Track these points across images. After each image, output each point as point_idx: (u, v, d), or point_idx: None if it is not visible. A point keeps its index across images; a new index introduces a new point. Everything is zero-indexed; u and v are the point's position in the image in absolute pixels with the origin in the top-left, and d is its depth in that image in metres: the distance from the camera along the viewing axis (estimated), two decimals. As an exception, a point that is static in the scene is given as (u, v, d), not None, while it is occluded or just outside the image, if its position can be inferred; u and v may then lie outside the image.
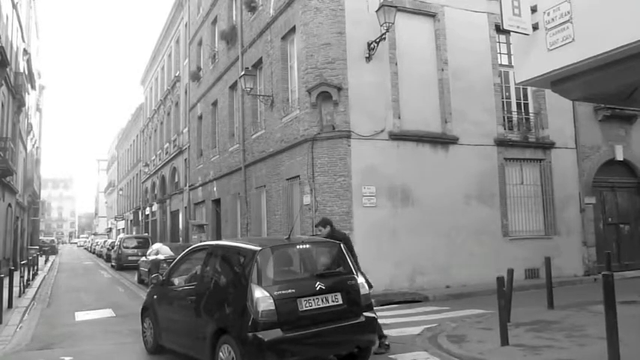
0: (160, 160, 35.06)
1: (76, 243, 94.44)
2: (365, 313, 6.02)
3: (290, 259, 6.18)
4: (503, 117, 15.03)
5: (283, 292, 5.47)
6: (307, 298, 5.58)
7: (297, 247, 6.23)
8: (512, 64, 10.89)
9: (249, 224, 17.59)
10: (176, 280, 7.19)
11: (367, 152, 12.92)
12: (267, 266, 5.68)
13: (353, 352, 6.17)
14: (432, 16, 14.31)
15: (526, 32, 7.52)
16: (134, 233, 39.22)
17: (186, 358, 6.69)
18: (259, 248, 5.82)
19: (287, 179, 14.79)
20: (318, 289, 5.68)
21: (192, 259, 7.21)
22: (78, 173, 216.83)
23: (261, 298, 5.33)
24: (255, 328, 5.27)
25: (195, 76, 24.99)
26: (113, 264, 28.30)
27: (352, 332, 5.86)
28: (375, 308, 6.82)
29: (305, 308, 5.54)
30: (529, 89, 15.27)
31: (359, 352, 6.18)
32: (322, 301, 5.68)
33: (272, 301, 5.34)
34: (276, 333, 5.29)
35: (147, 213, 40.45)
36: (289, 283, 5.65)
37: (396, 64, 13.57)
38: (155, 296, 7.53)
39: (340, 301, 5.81)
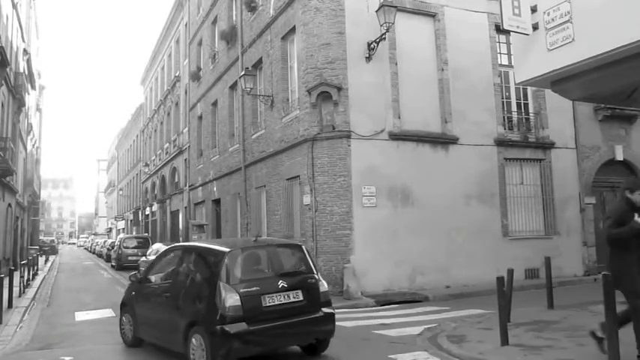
0: (160, 160, 35.06)
1: (74, 243, 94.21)
2: (323, 309, 6.63)
3: (256, 260, 6.76)
4: (503, 117, 15.03)
5: (248, 289, 6.07)
6: (270, 295, 6.18)
7: (263, 249, 6.96)
8: (512, 64, 10.89)
9: (249, 224, 17.59)
10: (153, 278, 7.72)
11: (367, 152, 12.92)
12: (235, 266, 6.29)
13: (312, 343, 6.82)
14: (432, 16, 14.31)
15: (526, 32, 7.52)
16: (134, 233, 39.22)
17: (168, 352, 7.03)
18: (228, 250, 6.45)
19: (287, 179, 14.80)
20: (280, 286, 6.30)
21: (168, 259, 7.76)
22: (78, 173, 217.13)
23: (229, 295, 5.92)
24: (223, 321, 5.85)
25: (195, 76, 25.00)
26: (113, 264, 28.31)
27: (311, 325, 6.49)
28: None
29: (268, 304, 6.14)
30: (529, 89, 15.27)
31: (318, 343, 6.83)
32: (284, 297, 6.30)
33: (238, 297, 5.93)
34: (242, 326, 5.86)
35: (147, 213, 40.45)
36: (254, 282, 6.23)
37: (396, 64, 13.57)
38: (133, 293, 8.03)
39: (301, 298, 6.42)
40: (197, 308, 6.28)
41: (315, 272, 6.83)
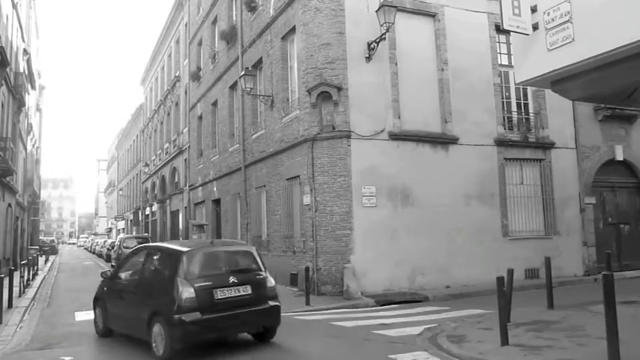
0: (160, 160, 35.06)
1: (74, 243, 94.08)
2: (270, 302, 7.57)
3: (211, 259, 7.61)
4: (503, 117, 15.03)
5: (202, 284, 6.94)
6: (222, 289, 7.09)
7: (218, 249, 7.98)
8: (512, 64, 10.89)
9: (249, 224, 17.59)
10: (122, 275, 8.57)
11: (367, 152, 12.92)
12: (191, 264, 7.17)
13: (261, 331, 7.77)
14: (432, 16, 14.31)
15: (526, 32, 7.52)
16: (134, 233, 39.21)
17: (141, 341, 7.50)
18: (185, 250, 7.42)
19: (287, 179, 14.80)
20: (231, 282, 7.21)
21: (136, 258, 8.59)
22: (78, 173, 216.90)
23: (185, 288, 6.81)
24: (180, 311, 6.72)
25: (195, 76, 25.00)
26: (113, 264, 28.28)
27: (259, 316, 7.42)
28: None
29: (220, 297, 7.03)
30: (529, 89, 15.28)
31: (265, 331, 7.77)
32: (234, 291, 7.21)
33: (193, 290, 6.81)
34: (196, 315, 6.75)
35: (147, 213, 40.45)
36: (208, 278, 7.11)
37: (396, 64, 13.57)
38: (105, 288, 8.92)
39: (249, 292, 7.33)
40: (158, 301, 7.13)
41: (263, 270, 7.75)
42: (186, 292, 6.77)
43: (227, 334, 7.62)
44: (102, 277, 9.21)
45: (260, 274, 7.65)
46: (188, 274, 7.00)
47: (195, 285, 6.86)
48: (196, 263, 7.26)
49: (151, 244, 11.27)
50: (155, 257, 7.99)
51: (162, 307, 6.95)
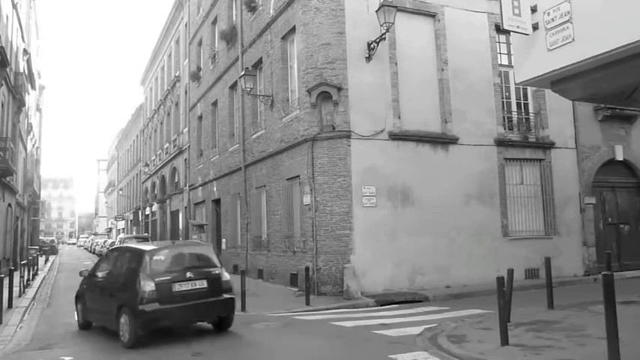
0: (160, 160, 35.06)
1: (74, 243, 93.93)
2: (224, 294, 8.50)
3: (170, 257, 8.50)
4: (503, 117, 15.03)
5: (162, 279, 7.88)
6: (180, 283, 8.04)
7: (177, 248, 9.01)
8: (512, 64, 10.89)
9: (249, 224, 17.60)
10: (99, 273, 9.44)
11: (367, 152, 12.92)
12: (152, 262, 8.10)
13: (217, 321, 8.72)
14: (432, 16, 14.31)
15: (526, 32, 7.51)
16: (134, 233, 39.20)
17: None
18: (148, 249, 8.43)
19: (287, 179, 14.80)
20: (188, 277, 8.15)
21: (109, 258, 9.56)
22: (78, 173, 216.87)
23: (146, 283, 7.75)
24: (142, 302, 7.65)
25: (195, 76, 25.00)
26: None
27: (213, 307, 8.36)
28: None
29: (177, 290, 7.98)
30: (529, 89, 15.28)
31: (220, 320, 8.70)
32: (191, 285, 8.14)
33: (153, 284, 7.75)
34: (156, 306, 7.70)
35: (147, 213, 40.45)
36: (167, 273, 8.05)
37: (396, 64, 13.57)
38: (85, 286, 9.80)
39: (205, 286, 8.27)
40: (125, 294, 8.05)
41: (218, 266, 8.72)
42: (148, 286, 7.73)
43: (185, 322, 8.57)
44: (81, 275, 10.16)
45: (215, 270, 8.60)
46: (150, 271, 7.93)
47: (156, 280, 7.83)
48: (157, 261, 8.22)
49: (121, 245, 12.30)
50: (124, 257, 8.92)
51: (128, 299, 7.89)
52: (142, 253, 8.31)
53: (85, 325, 9.53)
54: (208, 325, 9.10)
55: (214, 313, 8.54)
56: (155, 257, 8.25)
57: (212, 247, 9.37)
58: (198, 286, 8.19)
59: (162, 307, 7.74)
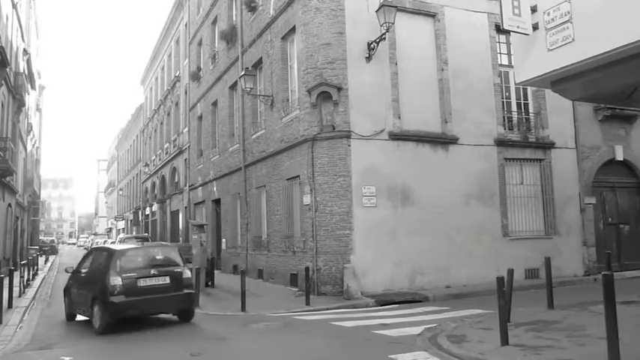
0: (160, 160, 35.06)
1: (74, 243, 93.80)
2: (185, 290, 9.66)
3: (138, 256, 9.81)
4: (503, 117, 15.03)
5: (128, 275, 9.15)
6: (144, 279, 9.25)
7: (145, 249, 10.75)
8: (512, 64, 10.90)
9: (249, 224, 17.60)
10: (82, 270, 10.60)
11: (367, 152, 12.93)
12: (121, 260, 9.41)
13: (177, 313, 9.95)
14: (432, 16, 14.32)
15: (526, 32, 7.51)
16: (134, 233, 39.21)
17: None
18: (118, 249, 9.96)
19: (287, 179, 14.80)
20: (152, 273, 9.36)
21: (90, 256, 10.84)
22: (78, 173, 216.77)
23: (114, 278, 9.04)
24: (111, 295, 8.91)
25: (195, 76, 25.00)
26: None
27: (174, 300, 9.54)
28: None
29: (142, 285, 9.19)
30: (529, 89, 15.28)
31: (182, 313, 9.91)
32: (154, 281, 9.34)
33: (120, 279, 9.02)
34: (122, 298, 8.94)
35: (147, 213, 40.45)
36: (134, 270, 9.29)
37: (396, 64, 13.57)
38: (70, 281, 10.98)
39: (168, 282, 9.46)
40: (97, 288, 9.26)
41: (181, 265, 9.87)
42: (116, 281, 8.99)
43: (148, 312, 9.70)
44: (66, 272, 11.33)
45: (178, 269, 9.79)
46: (118, 268, 9.20)
47: (123, 275, 9.08)
48: (126, 260, 9.51)
49: (98, 245, 13.39)
50: (100, 255, 10.19)
51: (99, 292, 9.12)
52: (113, 252, 9.74)
53: (70, 317, 10.64)
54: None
55: (175, 305, 9.72)
56: (124, 256, 9.61)
57: (177, 249, 10.71)
58: (161, 282, 9.39)
59: (128, 299, 8.97)
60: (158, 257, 9.96)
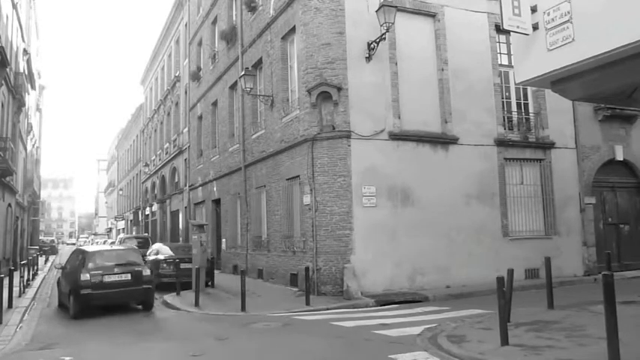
0: (160, 160, 35.06)
1: (74, 243, 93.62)
2: (144, 285, 11.57)
3: (105, 256, 11.96)
4: (503, 117, 15.03)
5: (95, 272, 11.17)
6: (109, 275, 11.26)
7: (112, 251, 12.92)
8: (512, 64, 10.89)
9: (249, 224, 17.60)
10: (67, 266, 12.63)
11: (367, 152, 12.92)
12: (91, 260, 11.57)
13: (139, 304, 12.06)
14: (432, 16, 14.31)
15: (526, 32, 7.51)
16: (134, 233, 39.21)
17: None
18: (90, 251, 12.41)
19: (287, 179, 14.80)
20: (115, 271, 11.41)
21: (73, 255, 13.04)
22: (78, 173, 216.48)
23: (84, 275, 11.06)
24: (81, 288, 10.92)
25: (195, 76, 25.00)
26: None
27: (135, 293, 11.61)
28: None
29: (106, 280, 11.19)
30: (529, 89, 15.28)
31: (142, 303, 11.98)
32: (117, 277, 11.36)
33: (89, 276, 11.04)
34: (89, 291, 10.94)
35: (147, 213, 40.44)
36: (100, 268, 11.34)
37: (396, 64, 13.57)
38: (59, 276, 13.39)
39: (129, 278, 11.43)
40: (73, 282, 11.26)
41: (141, 265, 11.93)
42: (84, 277, 11.00)
43: (111, 302, 11.49)
44: (55, 268, 13.29)
45: (138, 267, 11.72)
46: (88, 266, 11.30)
47: (91, 272, 11.11)
48: (95, 259, 11.62)
49: (79, 247, 15.47)
50: (77, 255, 12.41)
51: (73, 286, 11.13)
52: (85, 253, 12.06)
53: (60, 305, 12.65)
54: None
55: (135, 298, 11.82)
56: (93, 257, 11.75)
57: (139, 252, 13.24)
58: (123, 278, 11.39)
59: (95, 291, 10.99)
60: (122, 258, 12.01)
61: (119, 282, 11.30)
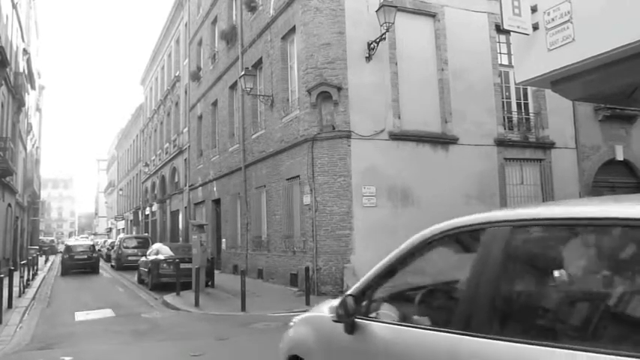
0: (160, 160, 35.05)
1: None
2: (93, 260, 24.68)
3: (77, 246, 25.56)
4: (503, 117, 15.03)
5: (71, 253, 24.21)
6: (78, 254, 24.25)
7: (80, 244, 26.48)
8: (512, 64, 10.89)
9: (249, 224, 17.59)
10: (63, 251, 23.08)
11: (367, 152, 12.92)
12: (69, 248, 24.85)
13: (91, 270, 24.37)
14: (432, 16, 14.31)
15: (526, 32, 7.51)
16: (134, 233, 39.18)
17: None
18: (70, 244, 25.86)
19: (287, 179, 14.80)
20: (82, 253, 24.43)
21: (68, 245, 26.03)
22: (78, 173, 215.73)
23: (65, 255, 24.54)
24: (63, 261, 24.47)
25: (195, 76, 25.00)
26: (113, 264, 28.29)
27: (90, 265, 24.32)
28: None
29: (77, 257, 24.06)
30: (529, 89, 15.27)
31: (93, 269, 24.30)
32: (82, 256, 24.28)
33: (68, 256, 24.06)
34: (68, 261, 23.95)
35: (147, 213, 40.43)
36: (75, 253, 24.26)
37: (396, 64, 13.57)
38: (63, 255, 25.42)
39: (88, 257, 24.35)
40: (63, 258, 24.22)
41: (95, 250, 25.56)
42: (67, 255, 24.03)
43: (80, 270, 23.33)
44: (60, 252, 17.58)
45: (94, 252, 24.88)
46: (68, 251, 24.15)
47: (69, 254, 23.90)
48: (71, 248, 24.44)
49: (69, 242, 24.79)
50: (66, 246, 24.93)
51: (61, 260, 23.37)
52: (68, 245, 24.87)
53: (63, 273, 23.49)
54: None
55: (90, 266, 23.74)
56: (71, 246, 24.71)
57: (94, 244, 26.29)
58: (86, 257, 23.97)
59: (69, 262, 23.47)
60: (87, 247, 25.10)
61: (84, 259, 23.98)
